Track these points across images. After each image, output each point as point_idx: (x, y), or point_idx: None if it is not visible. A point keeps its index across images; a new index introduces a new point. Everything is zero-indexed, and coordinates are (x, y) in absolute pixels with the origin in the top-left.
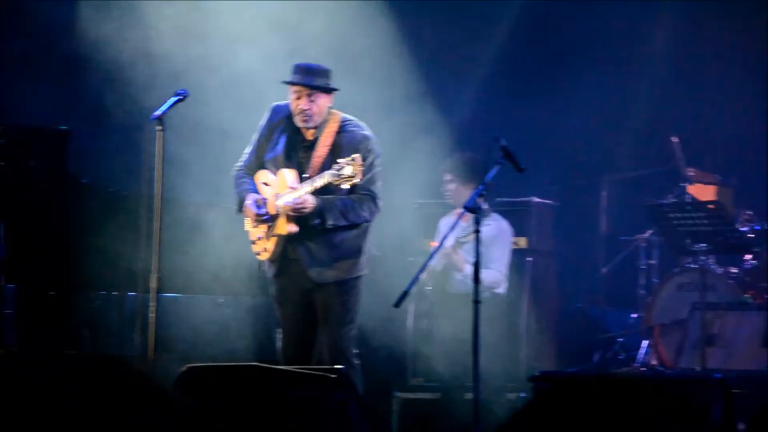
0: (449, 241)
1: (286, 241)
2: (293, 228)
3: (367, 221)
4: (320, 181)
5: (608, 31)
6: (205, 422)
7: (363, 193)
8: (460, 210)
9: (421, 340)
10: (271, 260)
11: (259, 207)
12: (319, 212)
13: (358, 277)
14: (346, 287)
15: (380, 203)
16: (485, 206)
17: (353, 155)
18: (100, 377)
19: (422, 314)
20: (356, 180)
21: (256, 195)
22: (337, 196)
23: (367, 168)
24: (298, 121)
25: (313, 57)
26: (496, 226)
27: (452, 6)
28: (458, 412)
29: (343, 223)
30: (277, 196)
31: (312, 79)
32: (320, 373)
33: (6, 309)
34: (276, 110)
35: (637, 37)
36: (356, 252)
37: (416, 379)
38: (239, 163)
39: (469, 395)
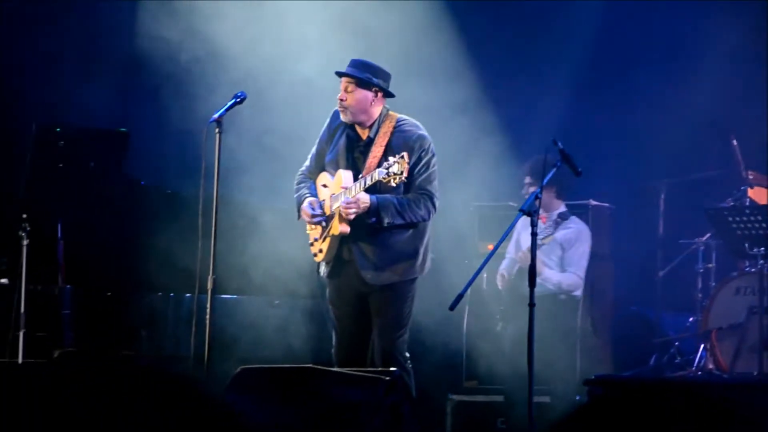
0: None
1: (341, 242)
2: (345, 228)
3: (424, 220)
4: (370, 179)
5: (669, 33)
6: (258, 423)
7: (420, 193)
8: (543, 214)
9: (476, 342)
10: (326, 261)
11: (313, 209)
12: (375, 211)
13: (413, 280)
14: (401, 290)
15: (437, 203)
16: (564, 209)
17: (402, 152)
18: (150, 380)
19: (486, 316)
20: (403, 177)
21: (312, 198)
22: (393, 195)
23: (423, 167)
24: (339, 111)
25: (378, 59)
26: (575, 230)
27: (513, 8)
28: (514, 414)
29: (399, 221)
30: (332, 197)
31: (353, 69)
32: (373, 376)
33: (64, 310)
34: (337, 114)
35: (697, 38)
36: (412, 254)
37: (470, 382)
38: (302, 168)
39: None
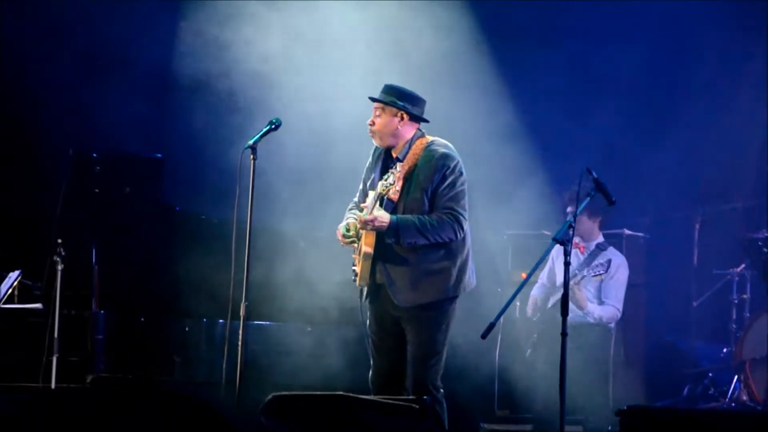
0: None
1: (373, 265)
2: (368, 249)
3: (451, 240)
4: (377, 196)
5: (706, 62)
6: None
7: (444, 212)
8: (576, 241)
9: (509, 372)
10: (363, 285)
11: (347, 230)
12: (394, 230)
13: (443, 302)
14: (432, 314)
15: (465, 223)
16: (602, 239)
17: (396, 165)
18: (182, 407)
19: (528, 343)
20: (397, 188)
21: (351, 220)
22: (416, 215)
23: (448, 186)
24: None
25: (418, 87)
26: (614, 262)
27: (559, 40)
28: None
29: (422, 241)
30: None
31: (379, 95)
32: (405, 404)
33: (97, 335)
34: None
35: (733, 68)
36: (441, 274)
37: (502, 411)
38: (354, 198)
39: (569, 428)
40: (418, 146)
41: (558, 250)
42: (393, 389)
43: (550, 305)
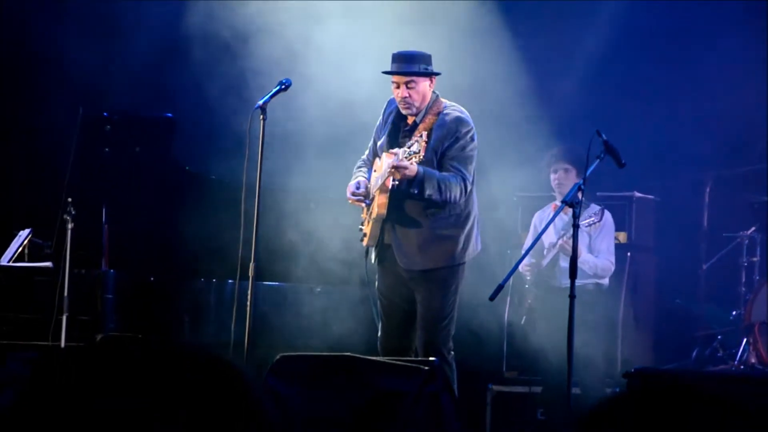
0: (551, 235)
1: (383, 226)
2: (382, 210)
3: (455, 202)
4: (397, 159)
5: (719, 25)
6: (297, 409)
7: (453, 171)
8: (557, 204)
9: (517, 334)
10: (371, 245)
11: (357, 187)
12: (420, 180)
13: (452, 267)
14: (440, 278)
15: (470, 186)
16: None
17: (422, 132)
18: (192, 365)
19: (522, 309)
20: (421, 156)
21: (362, 178)
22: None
23: (459, 148)
24: (402, 110)
25: (416, 44)
26: (606, 213)
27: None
28: (552, 406)
29: (437, 197)
30: (376, 180)
31: (408, 66)
32: (413, 365)
33: (107, 294)
34: (391, 101)
35: (748, 33)
36: (449, 240)
37: (511, 373)
38: (362, 156)
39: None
40: (434, 110)
41: (539, 217)
42: (402, 352)
43: (544, 266)
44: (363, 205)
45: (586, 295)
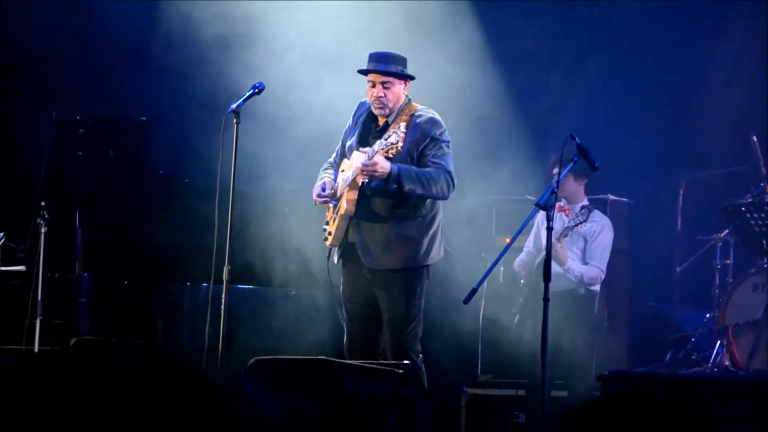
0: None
1: (348, 224)
2: (350, 208)
3: (444, 197)
4: (372, 152)
5: (691, 29)
6: (272, 413)
7: (437, 167)
8: (560, 204)
9: (492, 336)
10: (335, 245)
11: (323, 189)
12: (396, 176)
13: (416, 270)
14: (405, 281)
15: (455, 180)
16: (587, 202)
17: (400, 124)
18: (165, 369)
19: (515, 308)
20: (399, 147)
21: (328, 179)
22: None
23: (436, 147)
24: (374, 109)
25: (391, 44)
26: (599, 223)
27: (538, 3)
28: (531, 408)
29: (420, 191)
30: (344, 179)
31: (385, 65)
32: (387, 369)
33: (80, 298)
34: (361, 104)
35: (718, 35)
36: (414, 242)
37: (486, 375)
38: (329, 159)
39: (555, 392)
40: (406, 112)
41: (544, 216)
42: (368, 356)
43: (535, 266)
44: (330, 205)
45: (577, 300)
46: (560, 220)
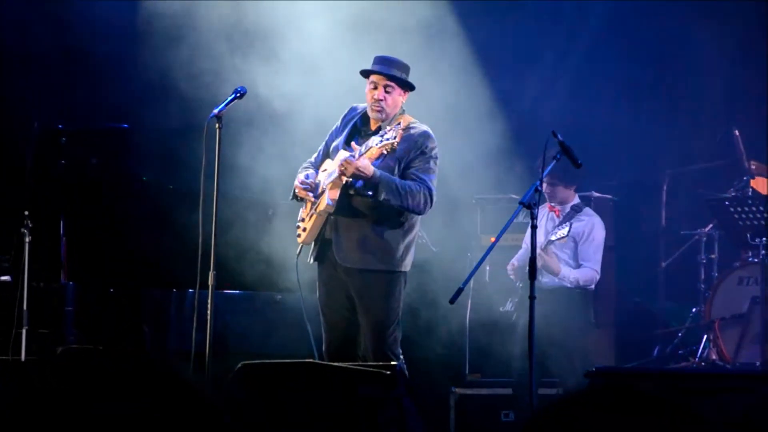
0: (540, 235)
1: (326, 221)
2: (331, 204)
3: (419, 212)
4: (365, 148)
5: (671, 26)
6: (260, 418)
7: (419, 180)
8: (551, 204)
9: (479, 335)
10: (307, 242)
11: (307, 177)
12: (376, 182)
13: (391, 274)
14: (380, 284)
15: (434, 198)
16: (578, 201)
17: (399, 122)
18: (153, 377)
19: (489, 309)
20: (395, 143)
21: (311, 170)
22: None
23: (424, 161)
24: (370, 112)
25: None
26: (589, 222)
27: (518, 4)
28: (519, 407)
29: (396, 202)
30: (327, 175)
31: (391, 69)
32: (375, 371)
33: (66, 307)
34: (352, 109)
35: (698, 31)
36: (388, 244)
37: (474, 375)
38: (309, 159)
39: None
40: (399, 121)
41: (540, 213)
42: (348, 360)
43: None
44: (310, 196)
45: (573, 298)
46: (551, 221)
